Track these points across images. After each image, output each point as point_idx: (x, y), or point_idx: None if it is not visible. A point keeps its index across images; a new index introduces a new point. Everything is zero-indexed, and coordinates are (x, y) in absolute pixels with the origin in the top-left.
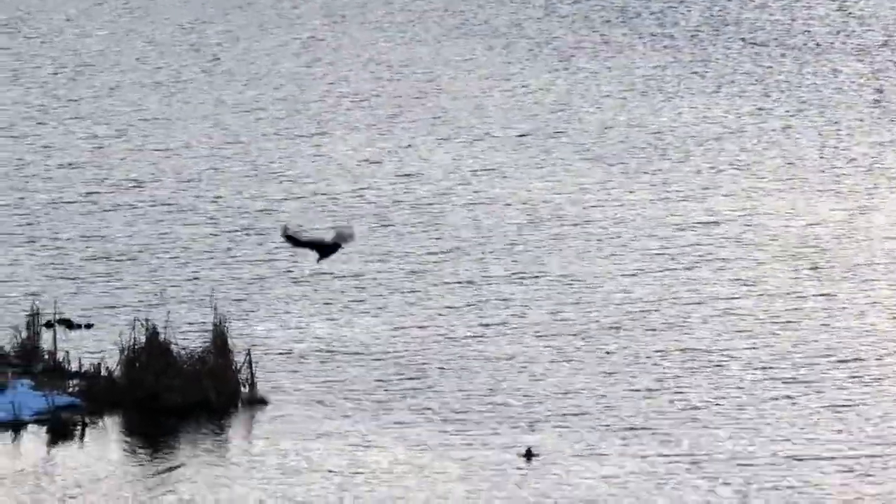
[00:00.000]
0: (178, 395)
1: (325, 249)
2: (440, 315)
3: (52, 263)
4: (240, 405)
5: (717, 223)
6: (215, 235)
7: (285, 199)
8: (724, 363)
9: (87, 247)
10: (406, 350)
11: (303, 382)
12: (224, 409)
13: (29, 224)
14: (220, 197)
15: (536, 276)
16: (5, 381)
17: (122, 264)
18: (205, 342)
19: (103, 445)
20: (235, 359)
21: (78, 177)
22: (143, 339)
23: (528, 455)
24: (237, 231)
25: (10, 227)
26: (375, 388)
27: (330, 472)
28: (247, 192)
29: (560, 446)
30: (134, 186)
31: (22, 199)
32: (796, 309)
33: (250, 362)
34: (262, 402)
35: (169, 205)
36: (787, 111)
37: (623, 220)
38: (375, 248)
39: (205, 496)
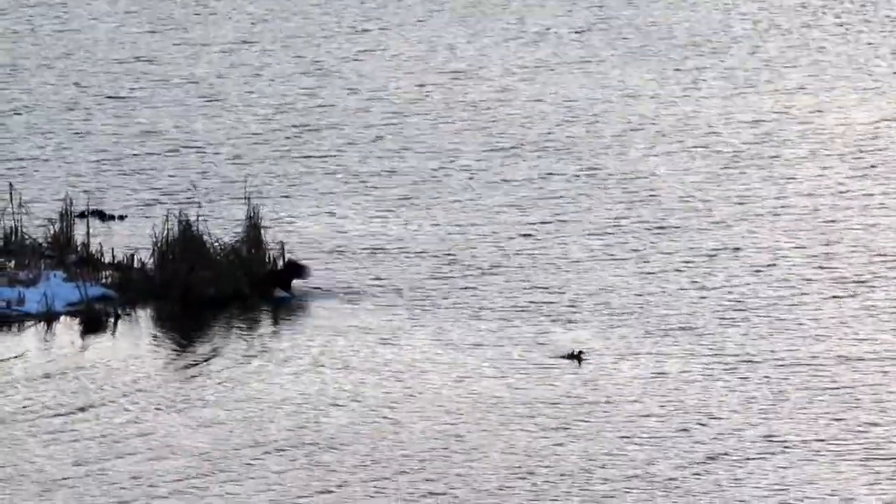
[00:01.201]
0: (210, 287)
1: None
2: (486, 215)
3: (87, 154)
4: (272, 298)
5: (763, 122)
6: (258, 133)
7: (338, 97)
8: (772, 263)
9: (122, 138)
10: (448, 249)
11: (338, 278)
12: (256, 302)
13: (64, 115)
14: (261, 92)
15: (587, 175)
16: (38, 272)
17: (158, 156)
18: (238, 235)
19: (136, 337)
20: (269, 252)
21: (119, 70)
22: (176, 231)
23: (572, 356)
24: (280, 127)
25: (45, 118)
26: (414, 286)
27: (362, 367)
28: (291, 86)
29: (602, 346)
30: (174, 79)
31: (58, 90)
32: (846, 209)
33: (283, 255)
34: (295, 295)
35: (208, 98)
36: (838, 8)
37: (674, 119)
38: (423, 147)
39: (235, 389)
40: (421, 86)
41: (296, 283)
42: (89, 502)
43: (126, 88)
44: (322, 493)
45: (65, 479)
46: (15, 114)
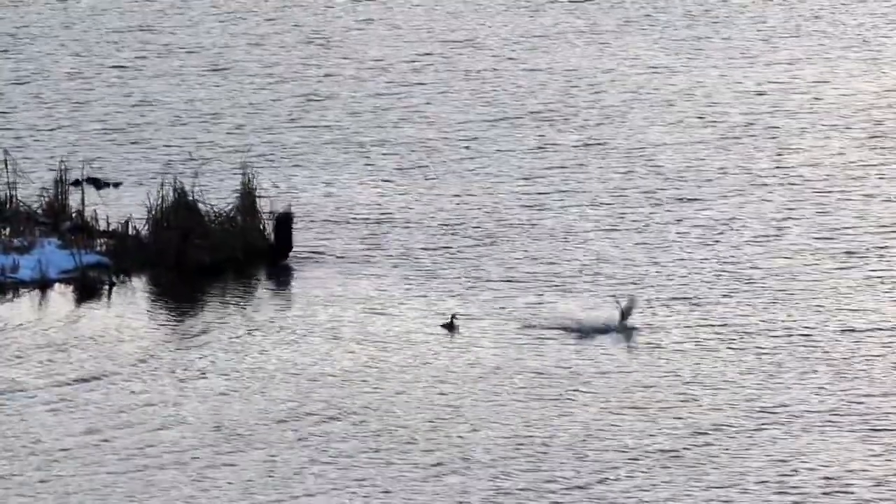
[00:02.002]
0: (205, 254)
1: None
2: (489, 183)
3: (82, 122)
4: (267, 266)
5: (766, 92)
6: (254, 104)
7: (339, 66)
8: (781, 231)
9: (117, 106)
10: (445, 218)
11: (336, 246)
12: (251, 270)
13: (61, 83)
14: (261, 60)
15: (586, 145)
16: (33, 240)
17: (153, 124)
18: (233, 202)
19: (130, 304)
20: (264, 219)
21: (117, 39)
22: (171, 198)
23: (447, 326)
24: (278, 96)
25: (42, 86)
26: (413, 255)
27: (357, 337)
28: (292, 56)
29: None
30: (174, 48)
31: (56, 59)
32: (858, 178)
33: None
34: (291, 263)
35: (209, 68)
36: None
37: (674, 89)
38: (425, 117)
39: (230, 356)
40: (425, 54)
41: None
42: (89, 474)
43: (128, 58)
44: (323, 463)
45: (66, 449)
46: (15, 83)
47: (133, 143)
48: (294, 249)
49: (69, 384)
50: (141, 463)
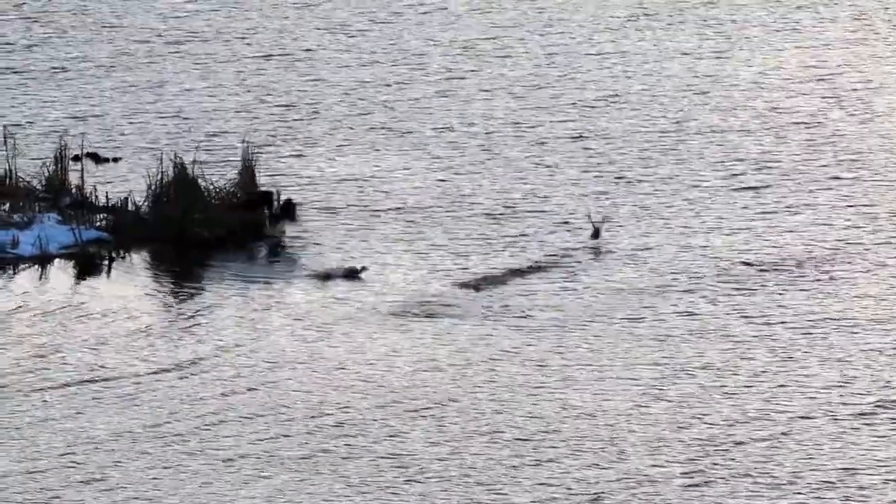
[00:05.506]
0: (204, 229)
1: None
2: (483, 166)
3: (80, 97)
4: (266, 241)
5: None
6: (258, 74)
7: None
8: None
9: (116, 79)
10: (449, 203)
11: (334, 221)
12: (251, 245)
13: (58, 58)
14: (262, 30)
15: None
16: (32, 215)
17: (152, 98)
18: (233, 178)
19: (130, 279)
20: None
21: (114, 8)
22: (171, 173)
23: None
24: (276, 68)
25: (39, 60)
26: (411, 233)
27: (357, 308)
28: (291, 28)
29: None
30: (171, 20)
31: (53, 31)
32: None
33: (278, 198)
34: (290, 239)
35: (204, 40)
36: None
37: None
38: (421, 96)
39: (230, 330)
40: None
41: (288, 228)
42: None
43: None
44: (321, 452)
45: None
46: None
47: (128, 113)
48: (286, 223)
49: (74, 362)
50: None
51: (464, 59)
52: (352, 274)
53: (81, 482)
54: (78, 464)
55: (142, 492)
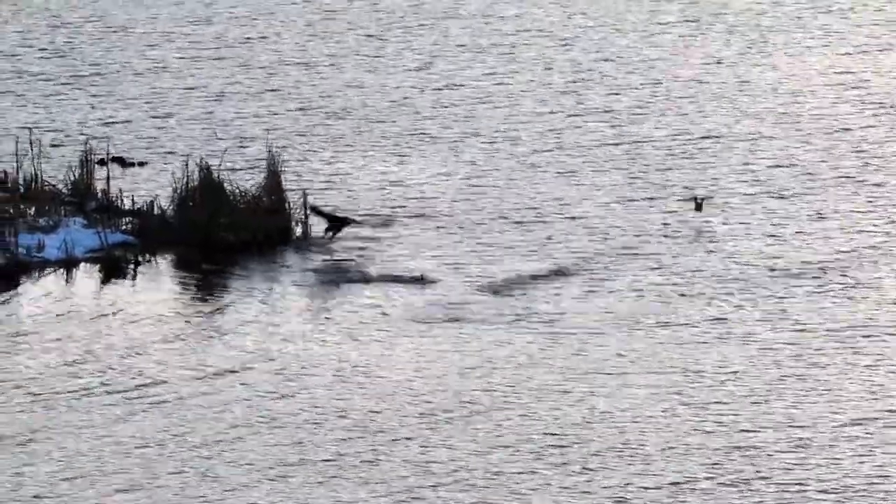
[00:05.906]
0: (230, 233)
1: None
2: (510, 171)
3: (107, 101)
4: (292, 244)
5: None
6: (276, 75)
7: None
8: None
9: (143, 84)
10: (465, 199)
11: (363, 226)
12: (277, 249)
13: (84, 62)
14: (281, 36)
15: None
16: (58, 219)
17: (178, 102)
18: (259, 182)
19: (156, 284)
20: (290, 198)
21: (141, 13)
22: (196, 177)
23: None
24: (300, 73)
25: (66, 64)
26: (434, 232)
27: (383, 313)
28: (312, 32)
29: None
30: (192, 25)
31: (74, 36)
32: None
33: (305, 202)
34: (316, 241)
35: (229, 44)
36: None
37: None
38: (442, 100)
39: (256, 335)
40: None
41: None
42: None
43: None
44: (324, 461)
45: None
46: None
47: (155, 117)
48: (312, 226)
49: (100, 368)
50: (171, 448)
51: (499, 64)
52: (418, 280)
53: (118, 490)
54: (112, 473)
55: (170, 498)
